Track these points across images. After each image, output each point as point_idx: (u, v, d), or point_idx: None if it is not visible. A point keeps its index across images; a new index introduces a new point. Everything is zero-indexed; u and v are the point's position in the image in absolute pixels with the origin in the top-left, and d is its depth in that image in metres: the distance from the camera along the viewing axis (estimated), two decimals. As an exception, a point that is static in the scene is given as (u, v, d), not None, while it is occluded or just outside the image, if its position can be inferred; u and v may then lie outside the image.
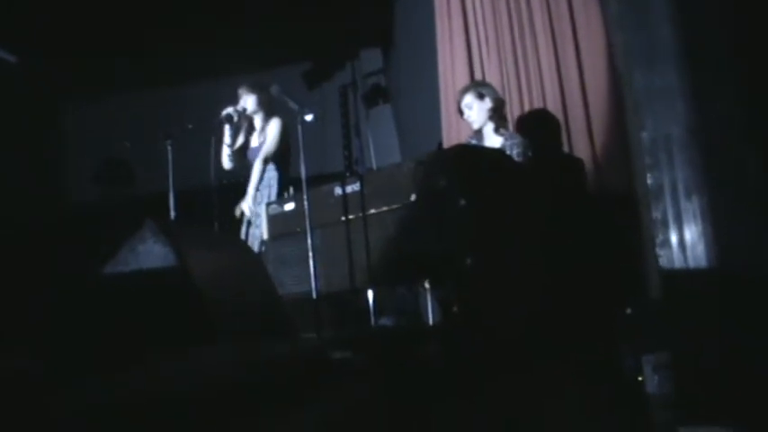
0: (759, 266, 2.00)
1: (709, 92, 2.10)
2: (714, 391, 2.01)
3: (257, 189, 5.31)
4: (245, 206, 5.28)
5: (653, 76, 2.19)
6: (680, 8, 2.13)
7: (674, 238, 2.09)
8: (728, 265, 2.01)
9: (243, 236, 5.30)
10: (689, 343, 2.10)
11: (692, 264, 2.07)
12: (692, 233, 2.06)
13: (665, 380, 2.71)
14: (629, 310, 3.94)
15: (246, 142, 5.47)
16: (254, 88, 5.42)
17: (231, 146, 5.39)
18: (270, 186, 5.27)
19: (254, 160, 5.36)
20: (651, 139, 2.20)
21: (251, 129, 5.51)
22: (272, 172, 5.30)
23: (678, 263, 2.09)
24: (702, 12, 2.11)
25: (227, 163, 5.44)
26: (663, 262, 2.13)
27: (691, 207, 2.07)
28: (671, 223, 2.11)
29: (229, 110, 5.29)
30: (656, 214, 2.14)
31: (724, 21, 2.09)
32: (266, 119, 5.41)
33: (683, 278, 2.09)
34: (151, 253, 2.58)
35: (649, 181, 2.19)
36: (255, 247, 5.08)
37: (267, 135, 5.33)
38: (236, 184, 5.43)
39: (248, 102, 5.40)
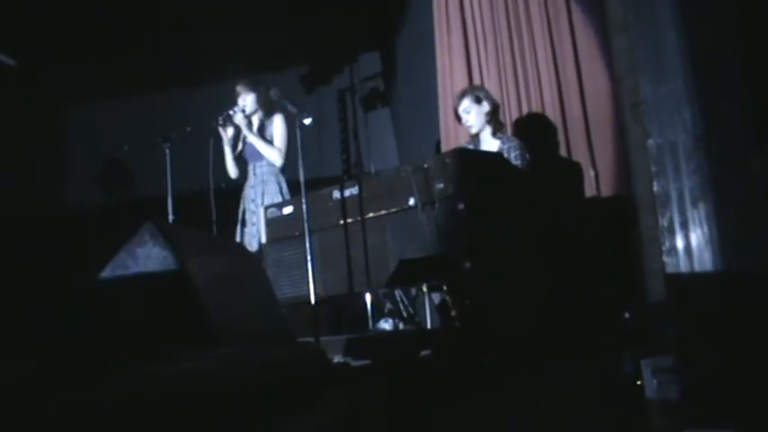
0: (766, 272, 2.00)
1: (715, 98, 2.10)
2: (718, 396, 2.02)
3: (251, 186, 5.31)
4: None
5: (659, 83, 2.19)
6: (685, 15, 2.13)
7: (680, 246, 2.09)
8: (735, 271, 2.01)
9: (238, 236, 5.29)
10: (694, 348, 2.10)
11: (698, 270, 2.06)
12: (698, 240, 2.06)
13: (664, 384, 2.72)
14: (627, 315, 3.94)
15: (244, 142, 5.45)
16: (253, 86, 5.40)
17: (234, 151, 5.37)
18: (264, 182, 5.26)
19: (251, 159, 5.34)
20: (657, 147, 2.19)
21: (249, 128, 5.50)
22: (265, 168, 5.29)
23: (685, 269, 2.09)
24: (708, 18, 2.11)
25: (232, 170, 5.41)
26: (669, 269, 2.13)
27: (697, 214, 2.07)
28: (677, 230, 2.10)
29: (229, 111, 5.28)
30: (663, 222, 2.14)
31: (729, 27, 2.09)
32: (267, 117, 5.40)
33: (689, 284, 2.09)
34: (150, 256, 2.58)
35: (656, 188, 2.18)
36: (254, 246, 5.07)
37: (274, 131, 5.32)
38: (235, 187, 5.43)
39: (247, 100, 5.37)
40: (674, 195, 2.13)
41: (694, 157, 2.09)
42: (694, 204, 2.08)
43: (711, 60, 2.11)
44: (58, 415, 1.69)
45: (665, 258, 2.13)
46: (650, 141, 2.21)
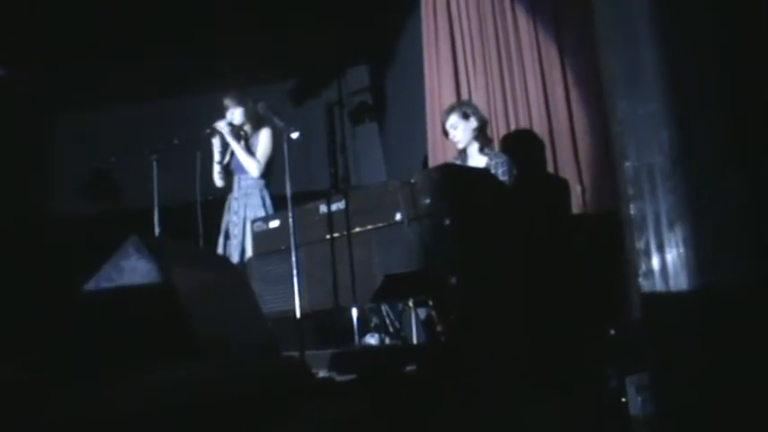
0: (742, 294, 2.00)
1: (693, 120, 2.10)
2: (695, 413, 2.01)
3: (235, 198, 5.30)
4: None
5: (636, 103, 2.18)
6: (664, 34, 2.13)
7: (656, 268, 2.09)
8: (711, 293, 2.00)
9: (220, 248, 5.28)
10: (670, 364, 2.10)
11: (674, 292, 2.06)
12: (674, 262, 2.06)
13: (648, 401, 2.72)
14: (612, 332, 3.95)
15: (232, 154, 5.44)
16: (240, 100, 5.41)
17: (221, 162, 5.37)
18: (248, 195, 5.26)
19: (237, 170, 5.34)
20: (634, 169, 2.19)
21: (237, 141, 5.49)
22: (250, 180, 5.29)
23: (661, 291, 2.08)
24: (687, 37, 2.11)
25: (218, 180, 5.40)
26: (645, 291, 2.12)
27: (674, 237, 2.07)
28: (653, 253, 2.10)
29: (218, 123, 5.28)
30: (640, 244, 2.13)
31: (709, 46, 2.10)
32: (254, 130, 5.40)
33: (665, 306, 2.08)
34: (135, 269, 2.57)
35: (632, 211, 2.17)
36: (235, 258, 5.06)
37: (260, 142, 5.32)
38: (222, 199, 5.42)
39: (235, 114, 5.38)
40: (650, 217, 2.12)
41: (671, 178, 2.09)
42: (671, 226, 2.07)
43: (690, 79, 2.11)
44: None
45: (642, 281, 2.12)
46: (627, 164, 2.21)
